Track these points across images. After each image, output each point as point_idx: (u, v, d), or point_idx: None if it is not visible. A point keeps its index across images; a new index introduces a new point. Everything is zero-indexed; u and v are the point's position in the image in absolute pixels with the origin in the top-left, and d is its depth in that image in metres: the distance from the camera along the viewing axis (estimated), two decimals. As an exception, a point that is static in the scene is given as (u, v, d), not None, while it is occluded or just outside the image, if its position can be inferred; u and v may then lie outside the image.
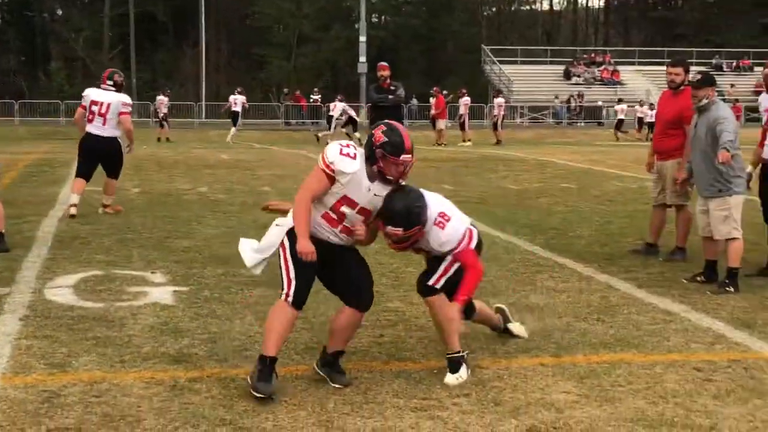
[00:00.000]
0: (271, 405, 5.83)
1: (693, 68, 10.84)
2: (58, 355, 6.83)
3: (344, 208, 6.18)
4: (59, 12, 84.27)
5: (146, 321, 7.86)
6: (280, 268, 6.25)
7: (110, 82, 14.38)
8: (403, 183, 6.36)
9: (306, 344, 7.20)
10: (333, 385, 6.17)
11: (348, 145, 6.23)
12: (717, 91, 9.85)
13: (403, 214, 6.16)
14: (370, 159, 6.14)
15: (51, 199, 16.29)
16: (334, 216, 6.22)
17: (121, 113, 14.24)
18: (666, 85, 11.16)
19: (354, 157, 6.12)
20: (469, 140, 40.87)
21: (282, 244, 6.28)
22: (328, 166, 6.09)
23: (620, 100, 52.97)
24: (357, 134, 38.00)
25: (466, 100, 43.63)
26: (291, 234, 6.19)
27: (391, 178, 6.17)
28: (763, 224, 10.47)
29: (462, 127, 42.37)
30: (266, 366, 5.99)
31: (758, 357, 7.07)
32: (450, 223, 6.43)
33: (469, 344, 7.08)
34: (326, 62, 78.33)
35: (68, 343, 7.15)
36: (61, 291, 8.93)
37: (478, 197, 17.70)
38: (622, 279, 9.90)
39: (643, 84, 66.75)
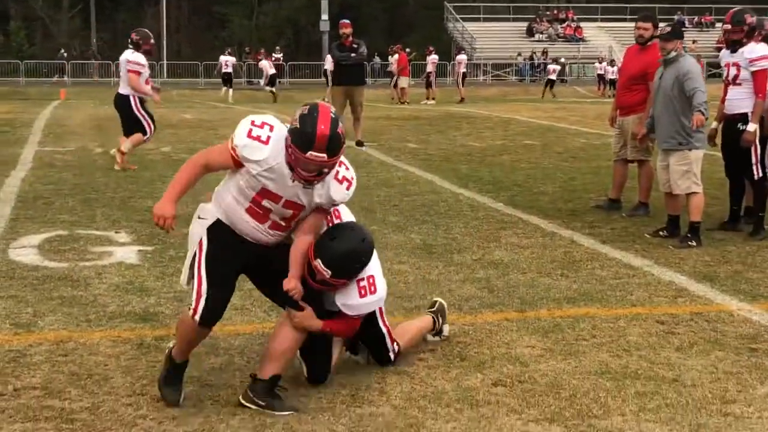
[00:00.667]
0: (239, 363, 5.85)
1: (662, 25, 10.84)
2: (23, 315, 6.81)
3: (266, 203, 5.08)
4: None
5: (112, 280, 7.84)
6: (191, 272, 5.15)
7: (130, 41, 15.10)
8: (351, 221, 5.53)
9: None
10: (275, 413, 5.02)
11: (263, 125, 5.01)
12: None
13: (341, 259, 5.12)
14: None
15: (12, 159, 16.12)
16: (258, 210, 5.11)
17: (128, 71, 14.78)
18: (630, 42, 11.20)
19: (266, 142, 4.94)
20: (434, 98, 40.86)
21: (199, 243, 5.20)
22: (233, 149, 5.03)
23: (554, 60, 53.23)
24: (274, 89, 40.52)
25: (433, 58, 43.73)
26: (212, 229, 5.22)
27: (300, 177, 4.93)
28: (724, 179, 10.54)
29: (428, 84, 42.40)
30: (174, 369, 5.22)
31: (720, 310, 7.15)
32: (371, 296, 5.35)
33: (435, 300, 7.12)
34: (288, 20, 77.71)
35: (33, 302, 7.13)
36: (25, 251, 8.89)
37: (441, 155, 17.71)
38: (585, 234, 9.95)
39: (605, 41, 66.76)
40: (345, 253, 5.10)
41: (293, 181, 4.94)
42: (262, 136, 4.92)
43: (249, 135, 4.94)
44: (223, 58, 44.15)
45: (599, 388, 5.46)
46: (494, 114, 30.82)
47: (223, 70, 43.47)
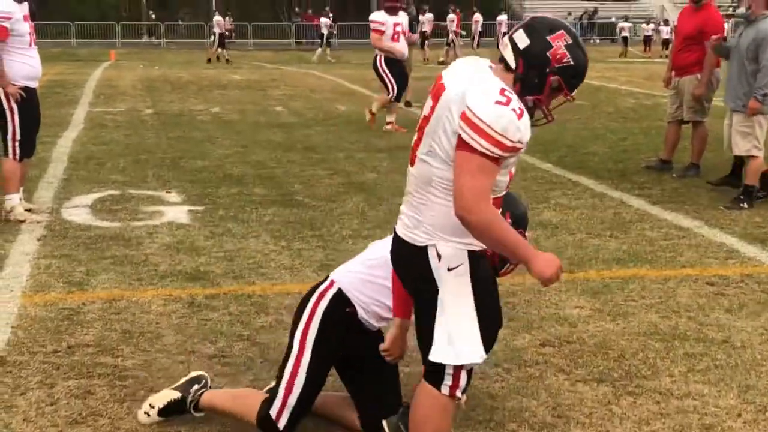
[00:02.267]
0: (288, 322, 5.89)
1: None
2: (76, 274, 6.89)
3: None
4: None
5: (163, 240, 7.91)
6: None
7: None
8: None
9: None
10: None
11: (503, 91, 3.48)
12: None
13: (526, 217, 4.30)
14: (529, 87, 3.60)
15: (65, 120, 16.22)
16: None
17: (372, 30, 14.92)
18: (685, 2, 11.06)
19: (520, 114, 3.46)
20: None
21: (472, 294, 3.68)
22: (512, 149, 3.45)
23: (626, 18, 52.95)
24: (225, 52, 40.00)
25: (501, 18, 45.05)
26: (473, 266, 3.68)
27: (539, 120, 3.76)
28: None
29: (475, 42, 43.04)
30: None
31: (771, 271, 7.12)
32: None
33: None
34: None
35: (86, 261, 7.21)
36: (78, 211, 8.97)
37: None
38: (635, 195, 9.92)
39: (657, 0, 66.00)
40: (524, 208, 4.39)
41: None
42: (516, 109, 3.44)
43: (519, 116, 3.44)
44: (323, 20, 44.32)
45: (648, 349, 5.47)
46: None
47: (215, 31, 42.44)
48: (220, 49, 40.46)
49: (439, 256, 3.62)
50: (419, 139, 3.70)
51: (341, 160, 12.02)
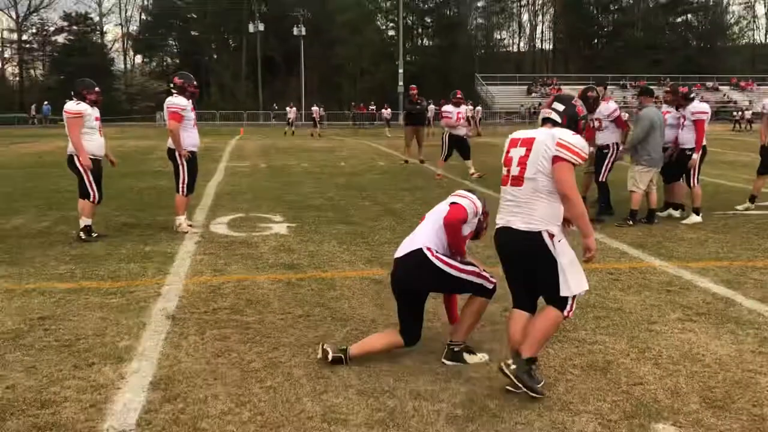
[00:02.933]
0: (343, 300, 5.88)
1: (610, 88, 10.70)
2: (218, 264, 6.92)
3: None
4: (215, 56, 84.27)
5: (271, 244, 7.91)
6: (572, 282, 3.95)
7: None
8: None
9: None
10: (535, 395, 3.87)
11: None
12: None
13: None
14: (573, 128, 3.99)
15: (213, 170, 16.30)
16: None
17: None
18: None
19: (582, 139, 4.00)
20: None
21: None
22: (585, 156, 3.94)
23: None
24: (318, 130, 37.93)
25: (478, 108, 44.14)
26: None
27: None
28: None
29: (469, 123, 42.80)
30: (531, 366, 3.94)
31: (648, 265, 7.00)
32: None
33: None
34: (378, 85, 77.51)
35: (224, 257, 7.23)
36: (219, 226, 9.01)
37: (477, 168, 17.52)
38: (563, 218, 9.76)
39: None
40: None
41: None
42: (580, 138, 3.96)
43: (582, 143, 3.94)
44: (288, 108, 42.37)
45: (570, 313, 5.41)
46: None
47: (288, 116, 41.15)
48: (316, 128, 38.58)
49: (551, 235, 3.91)
50: (522, 170, 3.99)
51: (379, 195, 11.99)
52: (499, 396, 3.95)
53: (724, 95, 70.22)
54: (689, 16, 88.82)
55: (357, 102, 66.22)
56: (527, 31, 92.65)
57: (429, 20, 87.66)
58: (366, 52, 77.10)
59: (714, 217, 9.78)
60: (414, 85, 19.63)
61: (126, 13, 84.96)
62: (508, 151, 4.16)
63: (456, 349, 4.39)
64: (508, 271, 4.15)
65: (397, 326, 4.45)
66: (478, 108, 44.42)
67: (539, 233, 3.91)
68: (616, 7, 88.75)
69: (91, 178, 8.01)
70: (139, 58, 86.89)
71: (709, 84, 73.46)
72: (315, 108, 41.21)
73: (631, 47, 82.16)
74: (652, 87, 12.25)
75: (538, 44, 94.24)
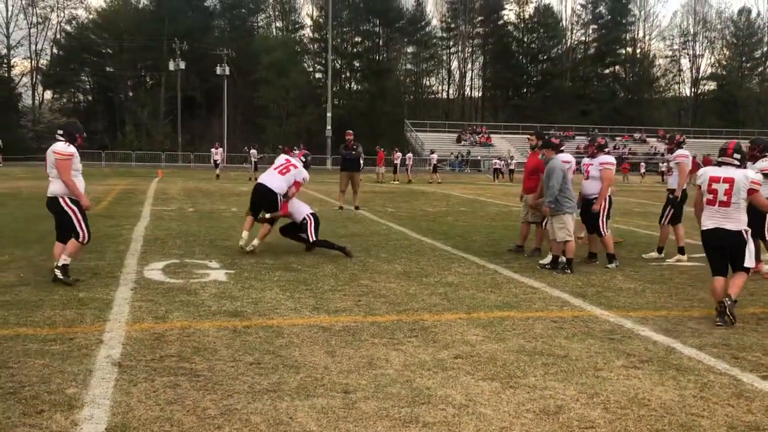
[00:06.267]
0: (293, 347, 6.03)
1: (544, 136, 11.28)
2: (159, 311, 6.95)
3: None
4: (130, 94, 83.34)
5: (211, 290, 7.97)
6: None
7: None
8: None
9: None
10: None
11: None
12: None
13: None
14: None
15: (137, 213, 16.20)
16: None
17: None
18: (521, 147, 11.62)
19: None
20: (397, 180, 41.20)
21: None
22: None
23: (432, 151, 53.01)
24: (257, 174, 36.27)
25: (409, 155, 44.31)
26: None
27: None
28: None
29: (395, 170, 42.94)
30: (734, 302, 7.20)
31: (589, 314, 7.37)
32: None
33: (414, 306, 7.32)
34: (304, 128, 78.04)
35: (164, 304, 7.26)
36: (154, 272, 9.00)
37: (409, 215, 17.89)
38: (503, 267, 10.14)
39: (506, 146, 67.55)
40: None
41: None
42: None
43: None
44: (213, 150, 41.70)
45: (520, 360, 5.68)
46: (438, 191, 31.10)
47: (214, 158, 40.59)
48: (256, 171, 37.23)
49: (747, 232, 7.08)
50: (728, 198, 7.07)
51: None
52: (458, 440, 4.18)
53: (652, 147, 73.44)
54: (617, 67, 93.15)
55: (283, 145, 66.36)
56: (456, 78, 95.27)
57: (357, 64, 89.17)
58: (292, 94, 77.62)
59: (650, 267, 10.35)
60: (350, 130, 20.00)
61: (36, 45, 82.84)
62: (710, 184, 7.16)
63: None
64: (714, 253, 7.19)
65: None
66: (409, 155, 44.98)
67: (741, 231, 7.05)
68: (545, 56, 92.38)
69: (80, 218, 8.17)
70: (48, 94, 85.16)
71: (637, 135, 76.80)
72: (253, 151, 40.68)
73: (560, 97, 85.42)
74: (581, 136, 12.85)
75: (467, 91, 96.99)
